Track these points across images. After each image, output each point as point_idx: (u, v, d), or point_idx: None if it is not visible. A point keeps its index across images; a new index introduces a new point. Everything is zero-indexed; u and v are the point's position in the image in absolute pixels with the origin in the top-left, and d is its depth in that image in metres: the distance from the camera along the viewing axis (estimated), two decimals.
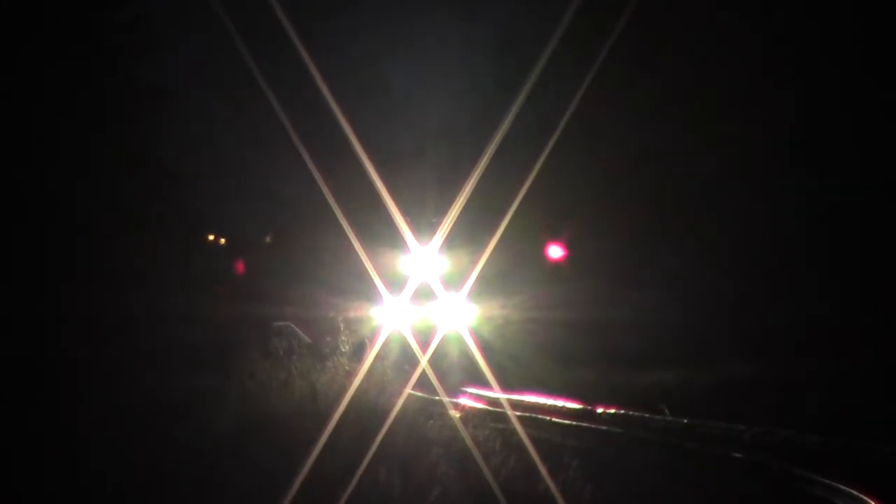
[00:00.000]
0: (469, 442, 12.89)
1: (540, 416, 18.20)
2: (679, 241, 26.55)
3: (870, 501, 11.66)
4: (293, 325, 18.69)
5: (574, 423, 17.99)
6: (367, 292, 23.85)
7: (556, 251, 30.50)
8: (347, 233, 20.11)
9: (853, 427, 15.03)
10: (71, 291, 17.19)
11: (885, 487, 11.99)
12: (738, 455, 14.70)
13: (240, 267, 31.75)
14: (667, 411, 18.00)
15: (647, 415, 18.02)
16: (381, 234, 24.36)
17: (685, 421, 17.07)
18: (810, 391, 18.77)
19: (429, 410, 15.28)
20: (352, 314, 21.07)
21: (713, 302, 24.54)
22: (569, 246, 29.95)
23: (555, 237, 30.23)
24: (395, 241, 24.41)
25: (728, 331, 23.44)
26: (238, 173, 30.30)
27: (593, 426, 17.75)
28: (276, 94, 21.02)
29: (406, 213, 22.81)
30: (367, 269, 20.83)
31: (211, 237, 30.40)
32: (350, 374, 14.20)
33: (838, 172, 23.90)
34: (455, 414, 15.32)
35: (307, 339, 17.22)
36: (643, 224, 27.57)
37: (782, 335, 22.55)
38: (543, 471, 11.95)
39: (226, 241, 31.63)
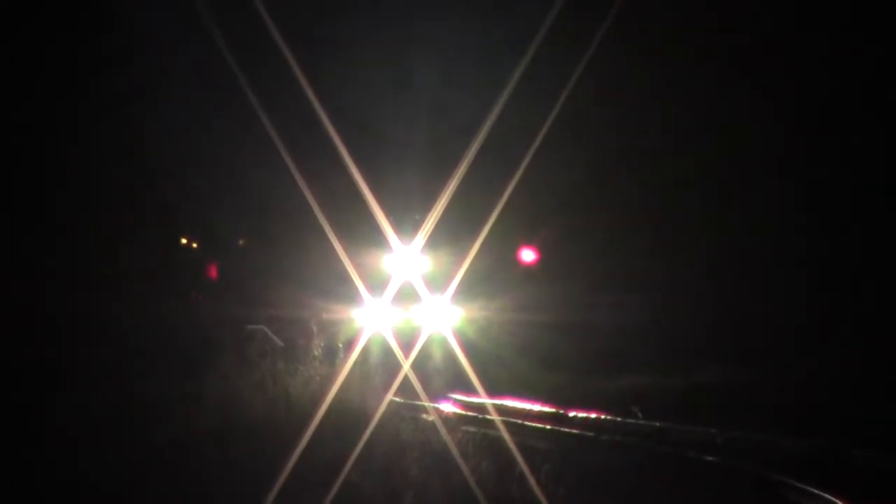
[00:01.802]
0: (450, 446, 12.94)
1: (517, 421, 18.21)
2: (661, 244, 26.56)
3: None
4: (266, 329, 18.66)
5: (548, 426, 18.03)
6: (348, 293, 23.73)
7: (538, 253, 30.45)
8: (327, 232, 20.03)
9: (832, 431, 15.05)
10: (48, 294, 17.19)
11: (859, 492, 12.03)
12: (711, 459, 14.74)
13: (217, 268, 31.60)
14: (639, 414, 18.05)
15: (619, 419, 18.07)
16: (362, 233, 24.19)
17: (658, 424, 17.12)
18: (790, 394, 18.81)
19: (405, 415, 15.30)
20: (329, 316, 21.04)
21: (693, 305, 24.56)
22: (552, 248, 29.89)
23: (537, 239, 30.17)
24: (378, 240, 24.25)
25: (706, 334, 23.45)
26: (216, 172, 30.13)
27: (566, 430, 17.79)
28: (255, 92, 20.98)
29: (389, 211, 22.67)
30: (348, 270, 20.75)
31: (187, 239, 30.26)
32: (325, 379, 14.20)
33: (830, 172, 23.91)
34: (436, 419, 15.34)
35: (280, 343, 17.22)
36: (625, 227, 27.57)
37: (762, 338, 22.58)
38: (516, 473, 12.04)
39: (203, 242, 31.47)
